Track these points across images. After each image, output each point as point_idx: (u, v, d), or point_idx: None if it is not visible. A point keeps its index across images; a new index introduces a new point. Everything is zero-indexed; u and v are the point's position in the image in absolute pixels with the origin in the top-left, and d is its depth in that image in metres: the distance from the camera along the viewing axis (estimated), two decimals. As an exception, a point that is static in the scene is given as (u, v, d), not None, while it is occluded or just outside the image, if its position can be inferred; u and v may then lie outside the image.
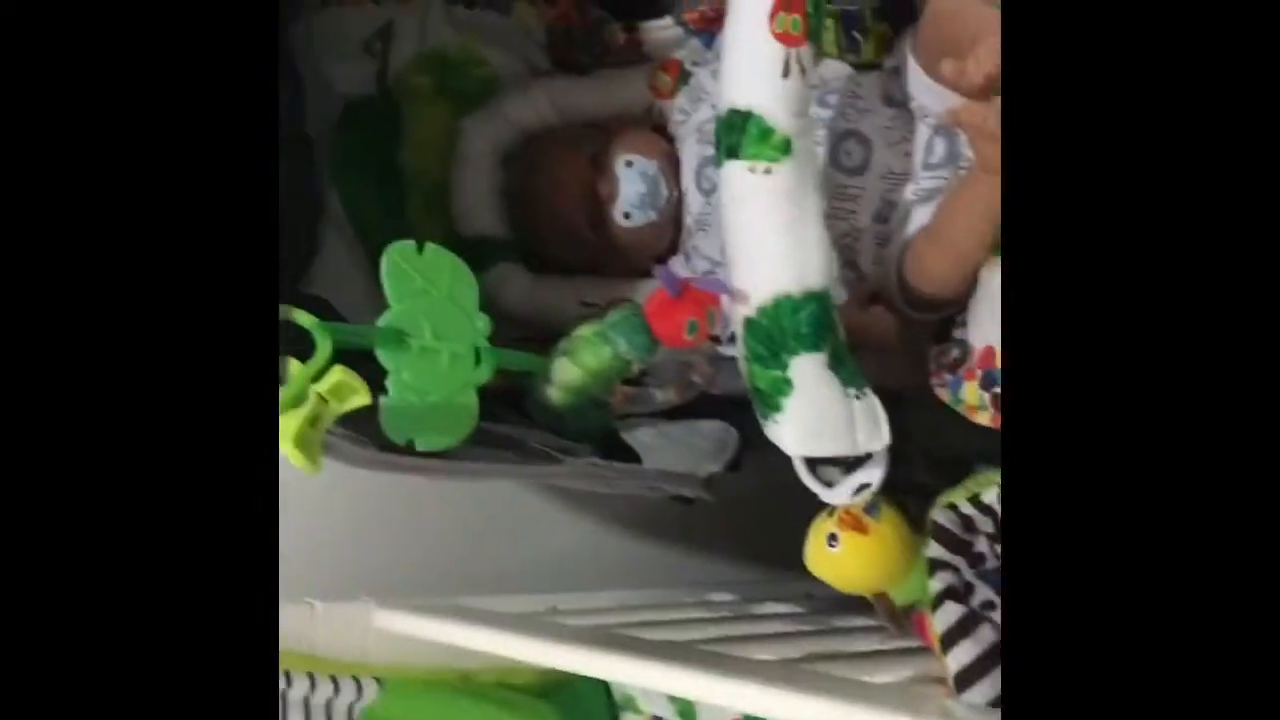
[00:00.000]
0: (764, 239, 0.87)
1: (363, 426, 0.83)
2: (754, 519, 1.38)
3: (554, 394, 0.92)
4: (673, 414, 1.02)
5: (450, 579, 1.34)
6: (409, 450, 0.83)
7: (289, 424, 0.74)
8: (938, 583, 0.94)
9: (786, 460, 0.93)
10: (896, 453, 0.94)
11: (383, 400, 0.82)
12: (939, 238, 0.97)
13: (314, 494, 1.39)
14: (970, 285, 0.96)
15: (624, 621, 1.20)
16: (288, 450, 0.73)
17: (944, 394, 0.92)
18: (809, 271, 0.87)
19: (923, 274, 0.98)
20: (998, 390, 0.88)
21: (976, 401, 0.90)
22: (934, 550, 0.95)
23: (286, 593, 1.18)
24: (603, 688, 1.36)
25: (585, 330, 0.93)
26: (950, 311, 0.99)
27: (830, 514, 0.98)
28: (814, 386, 0.87)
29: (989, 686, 0.89)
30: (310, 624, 1.19)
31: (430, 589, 1.28)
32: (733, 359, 0.99)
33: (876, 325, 1.00)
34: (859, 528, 0.96)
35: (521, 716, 1.28)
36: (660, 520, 1.58)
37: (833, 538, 0.97)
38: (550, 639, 1.07)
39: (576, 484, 0.92)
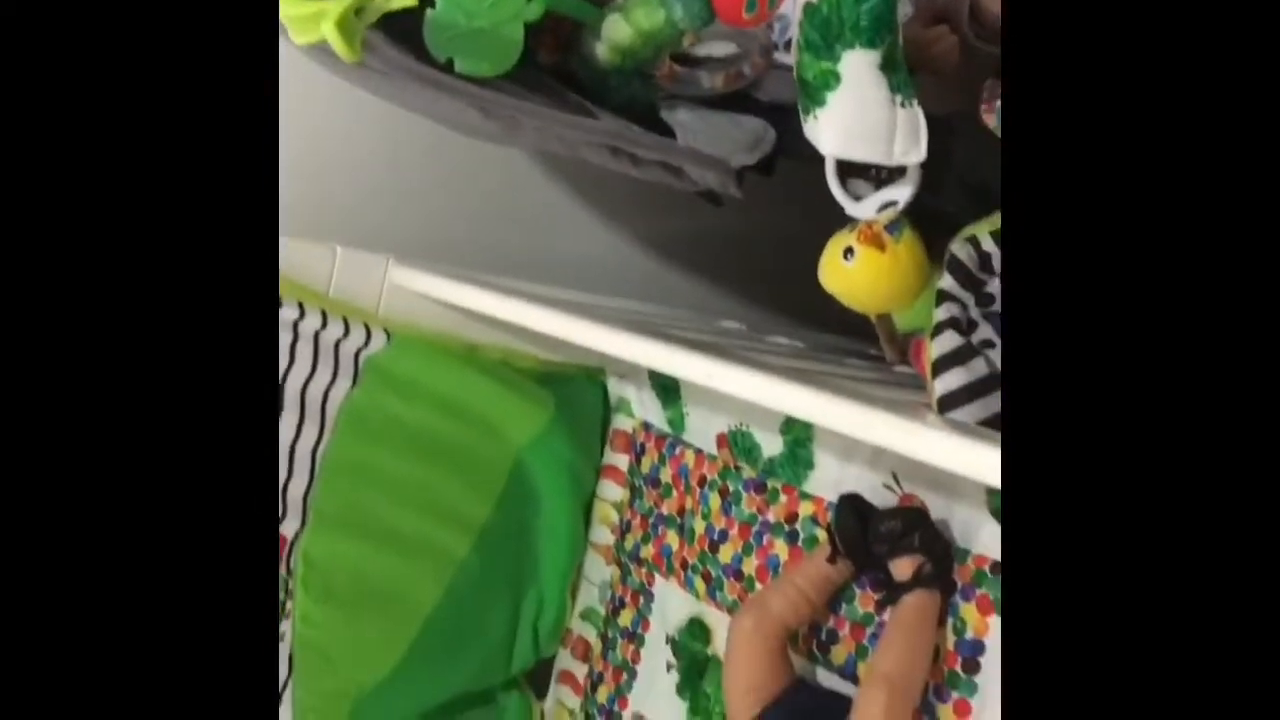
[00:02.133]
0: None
1: (408, 39, 0.82)
2: (769, 263, 1.39)
3: (602, 51, 0.91)
4: (715, 104, 1.01)
5: (470, 256, 1.36)
6: (446, 69, 0.83)
7: (335, 8, 0.74)
8: (942, 312, 0.96)
9: (814, 185, 0.93)
10: (929, 178, 0.94)
11: (429, 12, 0.82)
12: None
13: (355, 146, 1.41)
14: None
15: (639, 318, 1.23)
16: (329, 32, 0.73)
17: (990, 120, 0.91)
18: (880, -37, 0.85)
19: (998, 3, 0.96)
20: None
21: (1020, 130, 0.88)
22: (946, 282, 0.96)
23: (311, 233, 1.22)
24: (599, 388, 1.40)
25: (643, -11, 0.91)
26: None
27: (851, 228, 0.98)
28: (861, 85, 0.87)
29: (970, 412, 0.92)
30: (329, 266, 1.22)
31: (449, 263, 1.30)
32: (785, 68, 0.97)
33: (938, 45, 0.98)
34: (877, 244, 0.96)
35: (519, 395, 1.32)
36: (681, 246, 1.60)
37: (849, 251, 0.98)
38: (565, 312, 1.09)
39: (604, 156, 0.92)
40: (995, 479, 0.77)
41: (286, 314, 1.17)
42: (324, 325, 1.20)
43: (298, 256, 1.19)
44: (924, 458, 0.79)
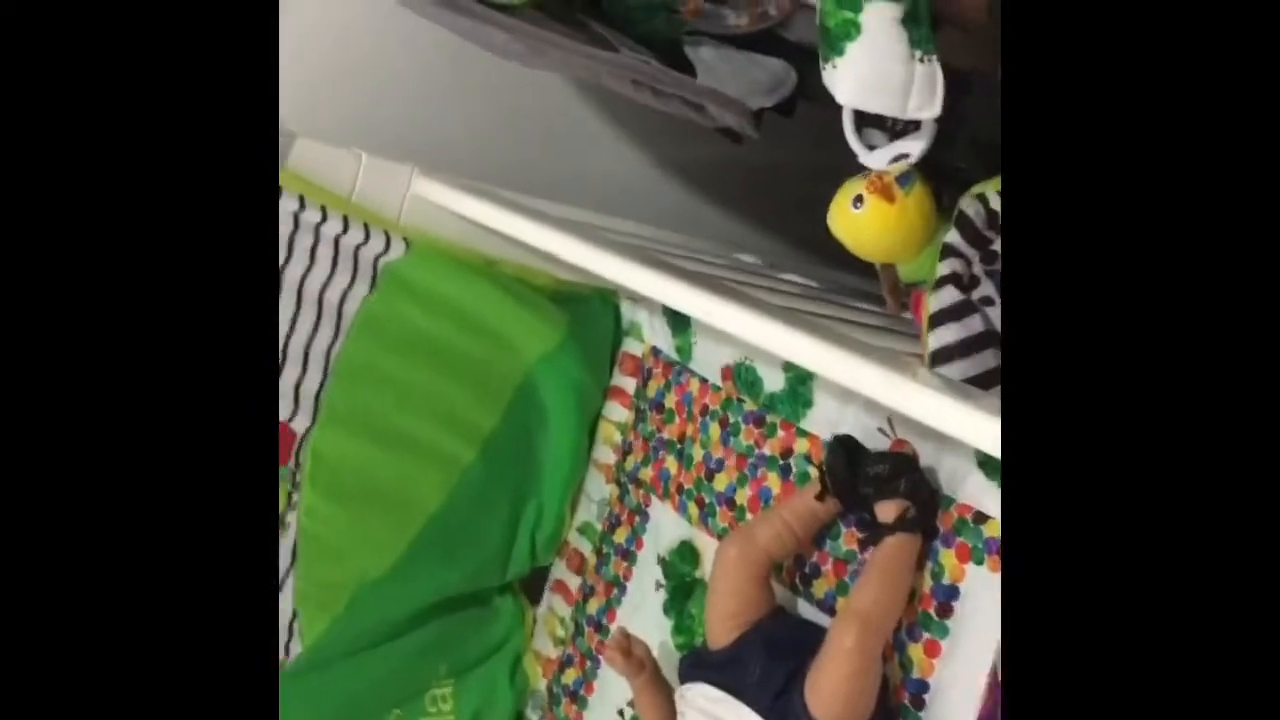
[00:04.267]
0: None
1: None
2: (794, 197, 1.40)
3: (629, -16, 0.92)
4: (739, 43, 1.02)
5: (494, 171, 1.37)
6: (475, -5, 0.84)
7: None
8: (945, 267, 0.97)
9: (830, 127, 0.94)
10: (944, 133, 0.94)
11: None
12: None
13: (383, 53, 1.42)
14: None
15: (655, 246, 1.24)
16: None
17: (1009, 79, 0.91)
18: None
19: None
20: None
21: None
22: (952, 236, 0.97)
23: (335, 139, 1.23)
24: (612, 310, 1.43)
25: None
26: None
27: (863, 176, 0.99)
28: (881, 37, 0.87)
29: (961, 368, 0.93)
30: (353, 172, 1.24)
31: (473, 176, 1.32)
32: (813, 9, 0.97)
33: (967, 1, 0.98)
34: (887, 194, 0.97)
35: (533, 311, 1.35)
36: (708, 175, 1.60)
37: (859, 199, 0.99)
38: (579, 238, 1.11)
39: (626, 86, 0.93)
40: (974, 437, 0.79)
41: (308, 216, 1.20)
42: (345, 230, 1.23)
43: (322, 160, 1.21)
44: (906, 411, 0.81)
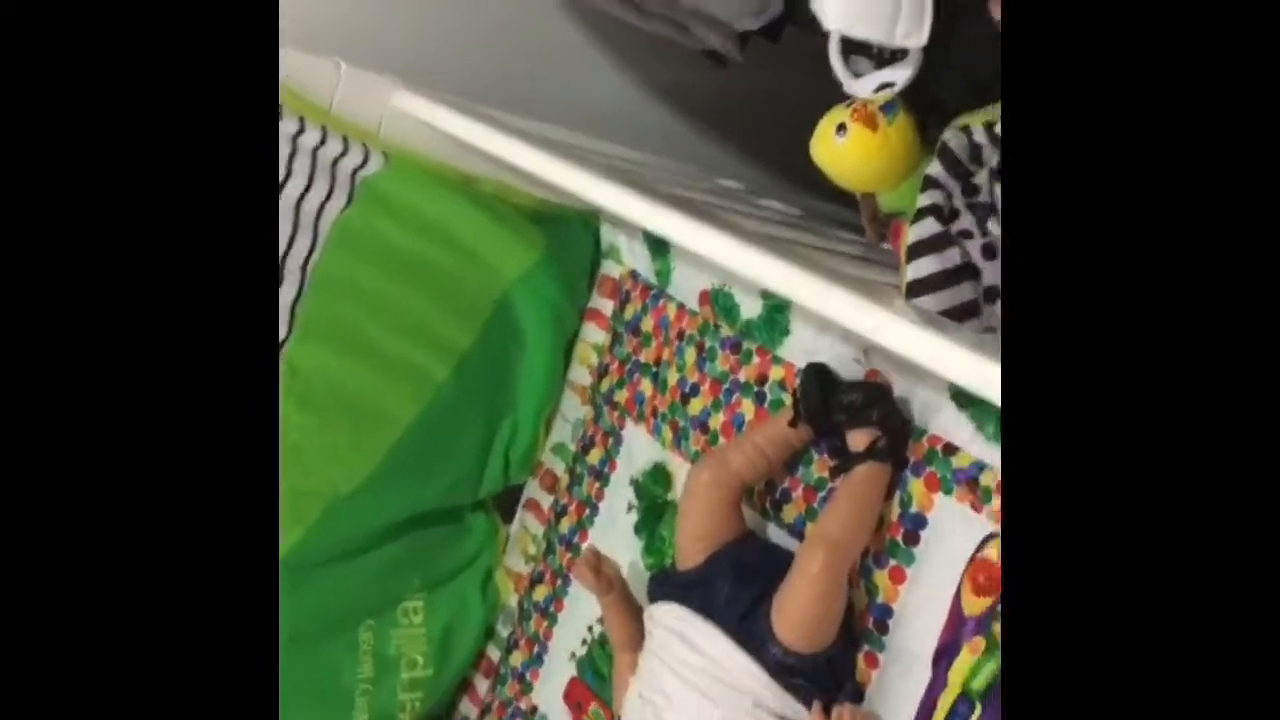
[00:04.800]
0: None
1: None
2: (779, 125, 1.39)
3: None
4: (728, -36, 1.00)
5: (477, 87, 1.35)
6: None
7: None
8: (926, 198, 0.97)
9: (816, 54, 0.93)
10: (930, 64, 0.93)
11: None
12: None
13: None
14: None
15: (635, 169, 1.23)
16: None
17: (996, 11, 0.90)
18: None
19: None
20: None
21: (1024, 25, 0.88)
22: (934, 168, 0.97)
23: (315, 48, 1.21)
24: (592, 231, 1.42)
25: None
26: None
27: (848, 105, 0.99)
28: (871, -38, 0.86)
29: (937, 300, 0.94)
30: (332, 82, 1.22)
31: (455, 92, 1.30)
32: (804, -70, 0.96)
33: (957, -74, 0.97)
34: (870, 123, 0.97)
35: (511, 231, 1.34)
36: (693, 100, 1.59)
37: (842, 127, 0.98)
38: (559, 157, 1.10)
39: (612, 4, 0.92)
40: (947, 368, 0.80)
41: (286, 127, 1.18)
42: (323, 142, 1.21)
43: (301, 68, 1.19)
44: (879, 339, 0.81)
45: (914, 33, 0.89)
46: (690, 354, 1.28)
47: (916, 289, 0.93)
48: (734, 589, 1.07)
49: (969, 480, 1.02)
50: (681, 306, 1.30)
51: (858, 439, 1.08)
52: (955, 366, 0.78)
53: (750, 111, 1.54)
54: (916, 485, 1.06)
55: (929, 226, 0.95)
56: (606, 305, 1.41)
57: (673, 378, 1.29)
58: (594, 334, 1.42)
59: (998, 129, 0.94)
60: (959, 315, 0.93)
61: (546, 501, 1.45)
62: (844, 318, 0.82)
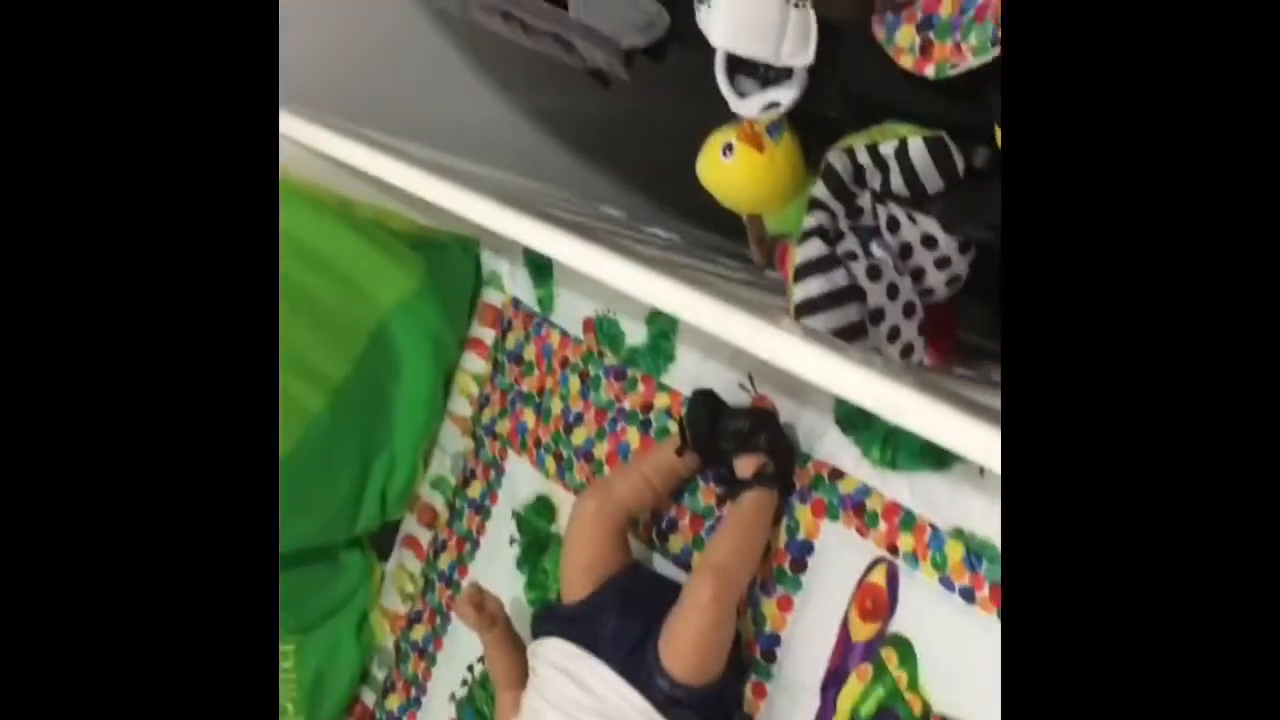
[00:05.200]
0: None
1: None
2: (656, 153, 1.38)
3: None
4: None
5: (352, 107, 1.31)
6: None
7: None
8: (812, 220, 0.96)
9: (708, 77, 0.93)
10: (814, 84, 0.93)
11: None
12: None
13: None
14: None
15: (517, 193, 1.21)
16: None
17: (880, 31, 0.91)
18: None
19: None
20: (930, 35, 0.87)
21: (907, 44, 0.88)
22: (819, 190, 0.97)
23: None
24: (472, 258, 1.39)
25: None
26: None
27: (734, 125, 0.98)
28: (757, -21, 0.86)
29: (826, 320, 0.93)
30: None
31: (329, 111, 1.26)
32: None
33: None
34: (756, 144, 0.96)
35: (389, 256, 1.31)
36: (570, 126, 1.58)
37: (729, 147, 0.97)
38: (446, 180, 1.07)
39: (495, 21, 0.90)
40: (839, 385, 0.79)
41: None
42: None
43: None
44: (770, 358, 0.80)
45: (800, 52, 0.89)
46: (574, 382, 1.25)
47: (805, 309, 0.92)
48: (621, 621, 1.04)
49: (855, 505, 1.02)
50: (565, 334, 1.28)
51: (745, 465, 1.06)
52: (846, 383, 0.77)
53: (632, 137, 1.53)
54: (803, 512, 1.05)
55: (815, 248, 0.94)
56: (488, 334, 1.38)
57: (556, 407, 1.26)
58: (474, 364, 1.38)
59: (881, 150, 0.94)
60: (848, 335, 0.93)
61: (425, 537, 1.40)
62: (741, 339, 0.81)
